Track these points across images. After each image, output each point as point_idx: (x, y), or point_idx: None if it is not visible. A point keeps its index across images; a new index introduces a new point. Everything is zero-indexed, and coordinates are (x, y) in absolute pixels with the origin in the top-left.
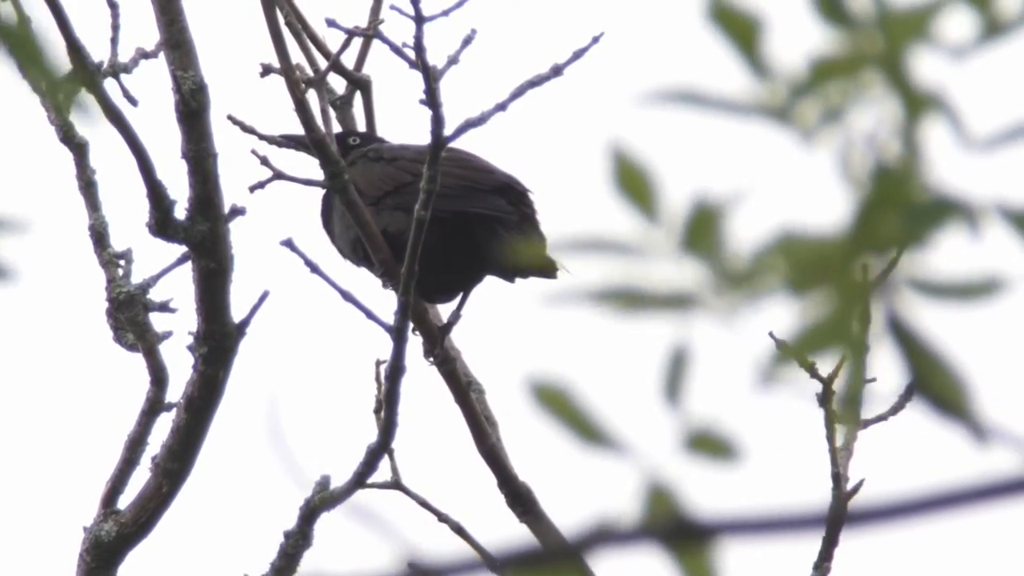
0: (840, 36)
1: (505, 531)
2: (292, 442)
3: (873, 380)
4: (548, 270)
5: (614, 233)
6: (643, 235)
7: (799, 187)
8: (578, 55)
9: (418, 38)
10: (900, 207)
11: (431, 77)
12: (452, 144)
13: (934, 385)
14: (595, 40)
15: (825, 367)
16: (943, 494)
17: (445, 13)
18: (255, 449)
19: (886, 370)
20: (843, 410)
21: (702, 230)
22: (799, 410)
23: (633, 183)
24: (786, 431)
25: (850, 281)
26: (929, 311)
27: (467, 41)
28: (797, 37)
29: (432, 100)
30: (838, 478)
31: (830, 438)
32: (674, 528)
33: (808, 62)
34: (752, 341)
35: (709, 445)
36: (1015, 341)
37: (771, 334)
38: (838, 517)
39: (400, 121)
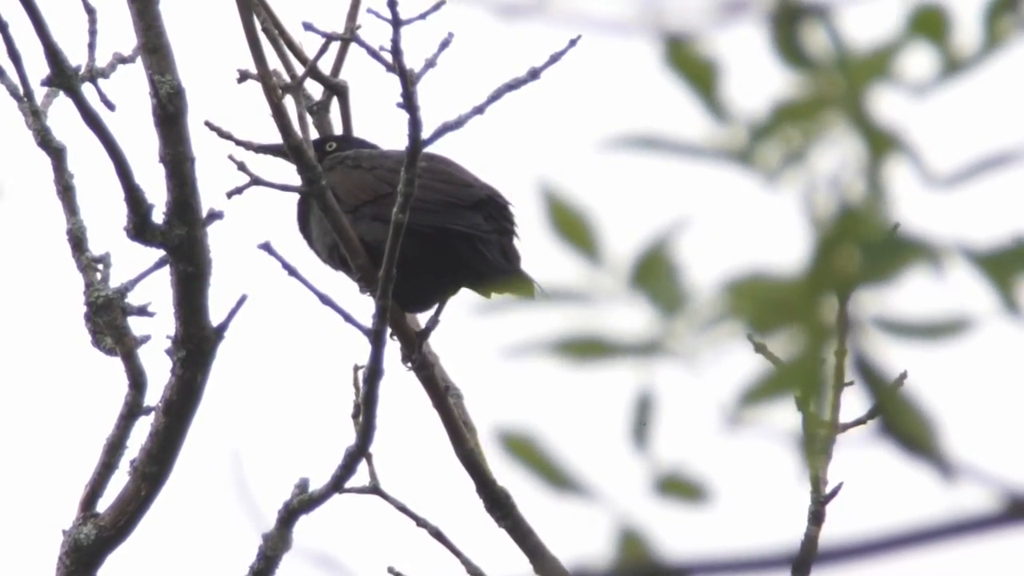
0: (801, 78)
1: (483, 536)
2: (254, 490)
3: (851, 383)
4: (525, 290)
5: (560, 280)
6: (588, 279)
7: (764, 230)
8: (555, 58)
9: (395, 41)
10: (864, 247)
11: (408, 80)
12: (431, 149)
13: (901, 424)
14: (572, 43)
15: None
16: (913, 532)
17: (422, 16)
18: (233, 452)
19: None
20: (808, 449)
21: (651, 270)
22: (769, 450)
23: (569, 225)
24: (757, 471)
25: (814, 322)
26: (896, 351)
27: (444, 44)
28: (759, 80)
29: (409, 103)
30: (816, 482)
31: (807, 442)
32: (647, 572)
33: (770, 105)
34: (717, 383)
35: (679, 488)
36: (980, 379)
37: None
38: (808, 557)
39: (378, 126)
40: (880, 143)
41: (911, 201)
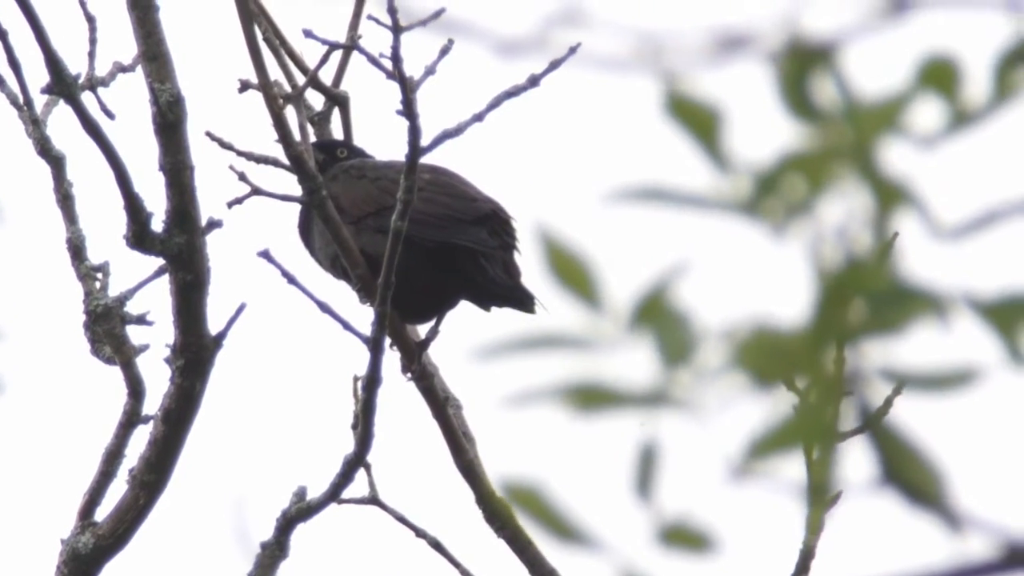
0: (809, 129)
1: (483, 547)
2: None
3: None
4: (525, 306)
5: (560, 327)
6: (589, 325)
7: (770, 281)
8: (555, 66)
9: (395, 48)
10: (870, 298)
11: (408, 88)
12: (433, 159)
13: (907, 475)
14: (572, 51)
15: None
16: None
17: (423, 23)
18: (232, 460)
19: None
20: (813, 499)
21: (651, 315)
22: (774, 501)
23: (569, 271)
24: (762, 521)
25: (819, 373)
26: (901, 401)
27: (444, 52)
28: (761, 121)
29: (409, 111)
30: (820, 488)
31: (806, 448)
32: None
33: (776, 155)
34: (722, 433)
35: (683, 538)
36: (987, 430)
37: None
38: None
39: (378, 135)
40: (888, 195)
41: (918, 252)
